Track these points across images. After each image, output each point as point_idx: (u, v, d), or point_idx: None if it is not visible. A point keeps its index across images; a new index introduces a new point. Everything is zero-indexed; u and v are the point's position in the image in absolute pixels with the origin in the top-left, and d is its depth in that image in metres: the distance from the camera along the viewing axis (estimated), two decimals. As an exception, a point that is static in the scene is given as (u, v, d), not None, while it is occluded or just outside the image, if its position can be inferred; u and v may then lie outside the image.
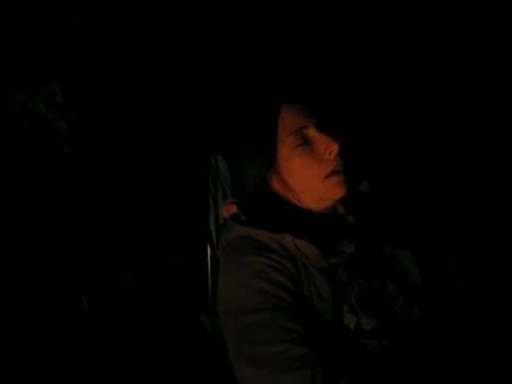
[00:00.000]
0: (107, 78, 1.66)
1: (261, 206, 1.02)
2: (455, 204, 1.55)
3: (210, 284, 1.02)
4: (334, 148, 0.98)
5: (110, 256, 1.51)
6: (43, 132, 1.52)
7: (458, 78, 1.72)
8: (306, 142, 0.99)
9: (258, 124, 1.01)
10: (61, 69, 1.61)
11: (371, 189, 1.21)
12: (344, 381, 0.78)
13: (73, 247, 1.52)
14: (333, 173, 0.99)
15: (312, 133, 0.99)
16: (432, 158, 1.68)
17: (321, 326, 0.90)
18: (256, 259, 0.91)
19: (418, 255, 1.13)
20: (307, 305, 0.91)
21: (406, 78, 1.73)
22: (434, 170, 1.66)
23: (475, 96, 1.71)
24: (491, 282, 1.26)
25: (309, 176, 0.98)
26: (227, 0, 1.68)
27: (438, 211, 1.43)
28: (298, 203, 1.03)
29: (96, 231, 1.54)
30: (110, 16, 1.66)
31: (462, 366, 0.94)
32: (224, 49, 1.67)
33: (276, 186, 1.04)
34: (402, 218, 1.24)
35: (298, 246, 0.94)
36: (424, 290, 1.08)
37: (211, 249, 1.05)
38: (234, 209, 1.03)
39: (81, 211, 1.56)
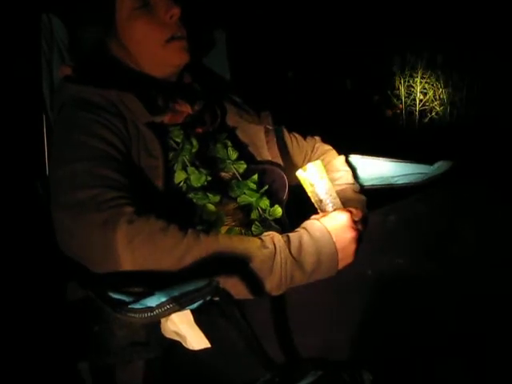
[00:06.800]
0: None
1: (96, 69, 0.99)
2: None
3: (46, 150, 0.99)
4: (175, 12, 0.96)
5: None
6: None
7: None
8: (146, 5, 0.96)
9: None
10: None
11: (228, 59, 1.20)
12: (153, 219, 0.79)
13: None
14: (173, 38, 0.98)
15: None
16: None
17: (148, 183, 0.90)
18: (81, 115, 0.90)
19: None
20: (134, 161, 0.90)
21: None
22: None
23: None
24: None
25: (148, 40, 0.97)
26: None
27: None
28: (138, 69, 1.00)
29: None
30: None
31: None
32: None
33: (115, 51, 1.01)
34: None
35: (124, 101, 0.92)
36: (272, 161, 1.11)
37: (46, 114, 1.01)
38: (69, 71, 1.00)
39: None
